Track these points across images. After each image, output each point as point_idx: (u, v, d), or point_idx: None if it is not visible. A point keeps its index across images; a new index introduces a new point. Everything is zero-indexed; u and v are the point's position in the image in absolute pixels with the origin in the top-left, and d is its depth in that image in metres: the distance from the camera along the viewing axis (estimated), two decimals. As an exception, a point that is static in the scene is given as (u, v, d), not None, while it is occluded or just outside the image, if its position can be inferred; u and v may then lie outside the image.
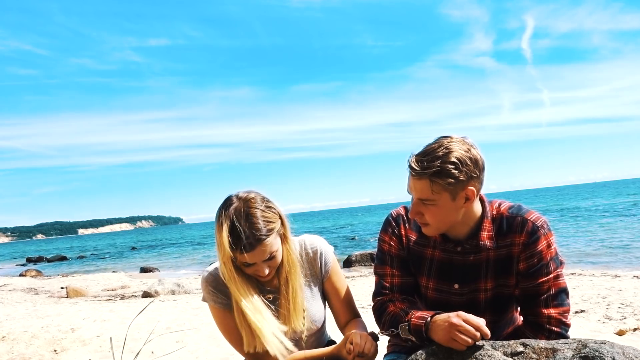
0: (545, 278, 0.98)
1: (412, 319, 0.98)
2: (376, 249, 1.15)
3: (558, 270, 1.00)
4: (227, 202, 1.01)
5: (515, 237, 0.99)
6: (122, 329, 3.13)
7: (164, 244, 27.02)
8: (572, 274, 5.65)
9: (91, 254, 23.96)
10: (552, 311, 0.98)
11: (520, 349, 0.95)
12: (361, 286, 5.58)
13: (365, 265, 8.49)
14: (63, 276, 11.28)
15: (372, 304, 1.10)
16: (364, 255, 8.82)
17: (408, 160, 0.96)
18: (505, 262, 1.00)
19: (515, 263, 1.00)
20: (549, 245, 0.99)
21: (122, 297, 6.13)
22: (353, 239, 16.57)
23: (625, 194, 32.66)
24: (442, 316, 0.94)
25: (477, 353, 0.95)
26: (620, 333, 2.56)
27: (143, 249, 24.24)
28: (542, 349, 0.93)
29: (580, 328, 2.78)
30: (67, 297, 6.71)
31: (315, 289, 1.13)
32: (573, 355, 0.85)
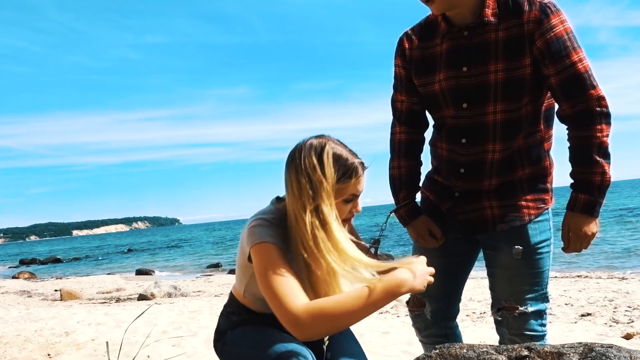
0: (576, 56, 0.97)
1: (400, 211, 1.17)
2: None
3: (582, 49, 0.98)
4: (305, 141, 0.91)
5: (525, 15, 0.98)
6: (118, 333, 3.09)
7: (160, 246, 26.84)
8: (578, 276, 5.59)
9: (86, 256, 23.73)
10: (600, 91, 0.98)
11: (525, 352, 0.95)
12: (360, 288, 5.52)
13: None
14: (57, 278, 11.15)
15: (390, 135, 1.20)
16: None
17: None
18: (517, 41, 0.98)
19: (530, 42, 0.98)
20: (562, 22, 0.98)
21: (118, 300, 6.06)
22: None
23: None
24: (412, 232, 1.17)
25: (482, 357, 0.94)
26: (628, 337, 2.53)
27: (139, 251, 24.06)
28: (548, 353, 0.92)
29: (586, 332, 2.74)
30: (61, 300, 6.63)
31: None
32: (579, 360, 0.84)
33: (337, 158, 0.89)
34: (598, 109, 0.98)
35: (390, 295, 0.84)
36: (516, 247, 1.07)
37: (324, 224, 0.87)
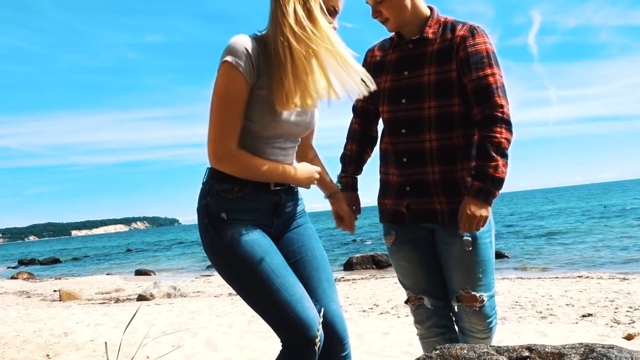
0: (490, 70, 1.20)
1: (344, 179, 1.41)
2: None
3: (499, 68, 1.22)
4: None
5: (456, 32, 1.24)
6: (117, 333, 3.09)
7: (159, 246, 26.81)
8: (579, 276, 5.59)
9: (85, 256, 23.70)
10: (504, 102, 1.20)
11: (526, 353, 0.95)
12: (362, 289, 5.52)
13: (366, 268, 8.37)
14: (56, 279, 11.12)
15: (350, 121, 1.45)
16: (365, 257, 8.64)
17: None
18: (448, 51, 1.24)
19: (456, 52, 1.23)
20: (485, 42, 1.22)
21: (117, 301, 6.06)
22: (354, 241, 16.50)
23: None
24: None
25: (482, 358, 0.94)
26: (629, 337, 2.53)
27: (138, 251, 24.03)
28: (549, 354, 0.92)
29: (587, 332, 2.73)
30: (60, 300, 6.62)
31: None
32: (581, 360, 0.83)
33: None
34: (499, 114, 1.19)
35: (283, 180, 1.04)
36: (465, 238, 1.24)
37: (310, 14, 0.96)
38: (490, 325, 1.29)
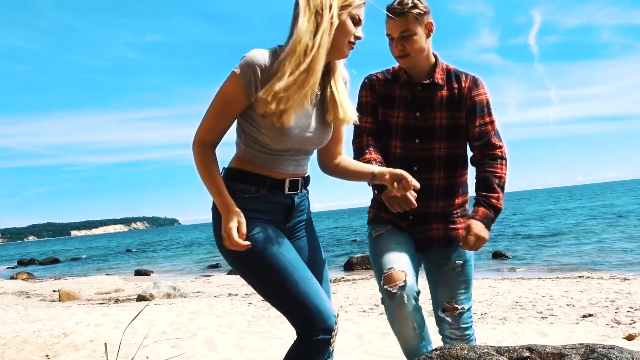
0: (489, 119, 1.41)
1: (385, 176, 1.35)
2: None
3: (494, 115, 1.42)
4: None
5: (462, 82, 1.42)
6: (116, 334, 3.08)
7: (159, 246, 26.81)
8: (580, 276, 5.58)
9: (84, 257, 23.70)
10: (501, 143, 1.42)
11: (527, 354, 0.95)
12: (362, 289, 5.50)
13: (366, 268, 8.32)
14: (55, 279, 11.12)
15: (352, 146, 1.44)
16: (365, 257, 8.54)
17: (388, 9, 1.33)
18: (457, 99, 1.40)
19: (464, 101, 1.40)
20: (485, 93, 1.43)
21: (116, 301, 6.05)
22: (354, 241, 16.49)
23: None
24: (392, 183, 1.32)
25: (483, 358, 0.94)
26: (629, 338, 2.54)
27: (138, 251, 24.02)
28: (549, 354, 0.92)
29: (588, 333, 2.73)
30: (59, 300, 6.61)
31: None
32: (581, 361, 0.83)
33: None
34: (499, 153, 1.40)
35: (214, 196, 1.04)
36: (457, 262, 1.42)
37: (322, 22, 1.00)
38: (467, 332, 1.43)
